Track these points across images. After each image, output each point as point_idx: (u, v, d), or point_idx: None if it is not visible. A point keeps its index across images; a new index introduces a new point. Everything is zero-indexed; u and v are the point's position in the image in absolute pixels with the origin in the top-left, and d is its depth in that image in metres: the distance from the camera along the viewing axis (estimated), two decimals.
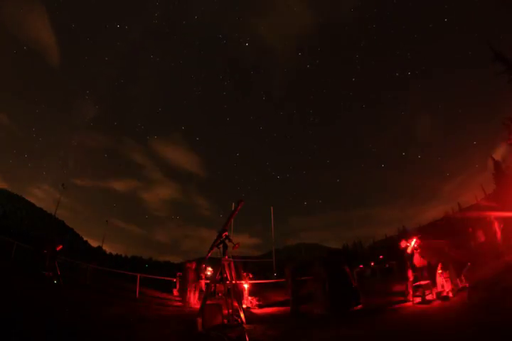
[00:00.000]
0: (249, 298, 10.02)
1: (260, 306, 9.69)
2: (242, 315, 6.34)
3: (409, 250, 7.08)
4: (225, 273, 6.41)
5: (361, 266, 16.89)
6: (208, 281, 10.61)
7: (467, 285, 6.67)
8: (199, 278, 10.57)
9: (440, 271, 6.97)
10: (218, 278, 6.45)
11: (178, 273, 12.60)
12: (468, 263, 7.01)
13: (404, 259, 7.23)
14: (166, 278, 14.29)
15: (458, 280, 6.91)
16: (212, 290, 9.11)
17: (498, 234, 10.10)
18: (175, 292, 12.31)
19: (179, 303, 9.90)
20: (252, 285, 10.92)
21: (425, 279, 6.97)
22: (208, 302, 6.21)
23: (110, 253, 73.22)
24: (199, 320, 5.71)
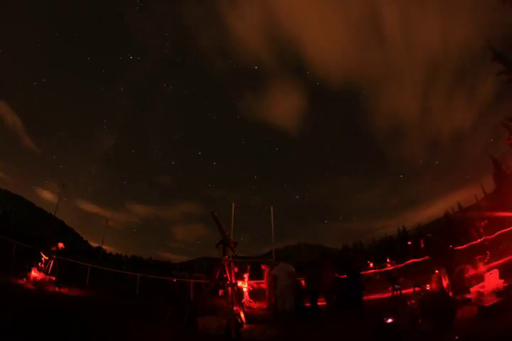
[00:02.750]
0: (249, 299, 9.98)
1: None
2: (242, 315, 6.34)
3: None
4: (225, 273, 6.42)
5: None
6: None
7: (467, 284, 6.65)
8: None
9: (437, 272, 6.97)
10: (217, 278, 6.46)
11: None
12: (467, 269, 6.96)
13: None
14: (166, 278, 14.29)
15: (455, 281, 6.90)
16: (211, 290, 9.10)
17: (498, 234, 10.10)
18: None
19: None
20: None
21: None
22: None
23: (110, 253, 73.24)
24: (199, 320, 5.72)
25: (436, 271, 6.69)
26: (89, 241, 79.90)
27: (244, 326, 6.12)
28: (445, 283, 6.82)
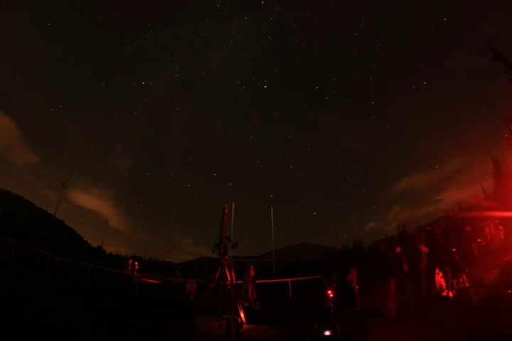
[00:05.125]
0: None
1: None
2: (242, 315, 6.34)
3: None
4: (225, 273, 6.42)
5: None
6: None
7: (467, 284, 6.66)
8: None
9: (437, 271, 6.97)
10: (217, 278, 6.46)
11: None
12: (467, 269, 6.94)
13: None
14: (166, 278, 14.34)
15: (454, 280, 6.90)
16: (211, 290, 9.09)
17: (498, 234, 10.09)
18: None
19: None
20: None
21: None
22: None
23: (110, 253, 73.13)
24: (199, 320, 5.72)
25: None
26: (89, 241, 79.78)
27: (244, 326, 6.12)
28: (444, 283, 6.83)
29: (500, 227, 10.20)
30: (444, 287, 6.78)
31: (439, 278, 6.92)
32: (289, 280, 11.92)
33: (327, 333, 4.04)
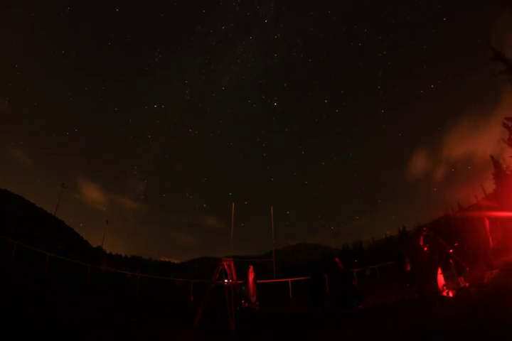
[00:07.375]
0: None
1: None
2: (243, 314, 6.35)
3: None
4: (226, 273, 6.44)
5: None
6: None
7: (467, 284, 6.66)
8: None
9: (440, 272, 6.96)
10: (217, 278, 6.47)
11: None
12: (467, 269, 6.95)
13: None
14: (166, 278, 14.34)
15: (459, 279, 6.90)
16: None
17: (498, 234, 10.09)
18: None
19: None
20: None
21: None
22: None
23: (110, 253, 73.20)
24: (199, 320, 5.74)
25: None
26: (89, 241, 79.80)
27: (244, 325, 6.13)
28: (440, 283, 6.81)
29: (500, 227, 10.21)
30: (445, 287, 6.77)
31: (442, 278, 6.91)
32: (289, 280, 11.91)
33: None
